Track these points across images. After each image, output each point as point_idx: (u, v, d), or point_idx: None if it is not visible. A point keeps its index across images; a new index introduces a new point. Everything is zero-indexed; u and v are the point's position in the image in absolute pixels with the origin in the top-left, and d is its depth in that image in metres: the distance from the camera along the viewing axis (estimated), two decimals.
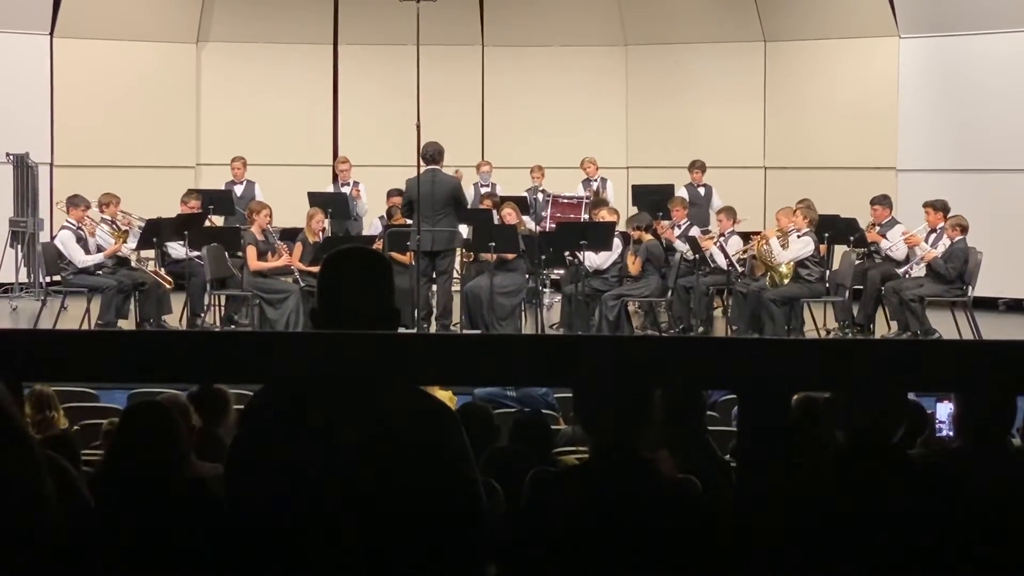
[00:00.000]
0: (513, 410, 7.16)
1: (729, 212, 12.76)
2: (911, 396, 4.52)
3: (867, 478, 3.00)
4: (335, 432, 2.70)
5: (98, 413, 7.14)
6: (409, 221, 12.00)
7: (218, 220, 13.79)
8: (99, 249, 12.22)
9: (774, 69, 16.10)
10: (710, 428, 4.83)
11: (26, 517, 2.28)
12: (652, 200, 14.06)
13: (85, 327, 11.46)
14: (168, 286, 12.18)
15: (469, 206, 12.97)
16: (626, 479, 3.02)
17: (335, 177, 15.36)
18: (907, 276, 12.03)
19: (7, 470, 2.27)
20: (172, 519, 3.22)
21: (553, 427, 6.35)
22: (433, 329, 11.81)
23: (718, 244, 12.39)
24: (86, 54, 15.80)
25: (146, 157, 15.82)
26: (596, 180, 15.15)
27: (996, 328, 12.61)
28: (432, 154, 11.74)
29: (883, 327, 12.25)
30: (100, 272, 12.10)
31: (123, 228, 12.49)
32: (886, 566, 2.92)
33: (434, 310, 12.02)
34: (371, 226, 14.20)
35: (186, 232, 12.18)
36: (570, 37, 16.70)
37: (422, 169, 11.71)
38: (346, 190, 14.39)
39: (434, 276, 11.86)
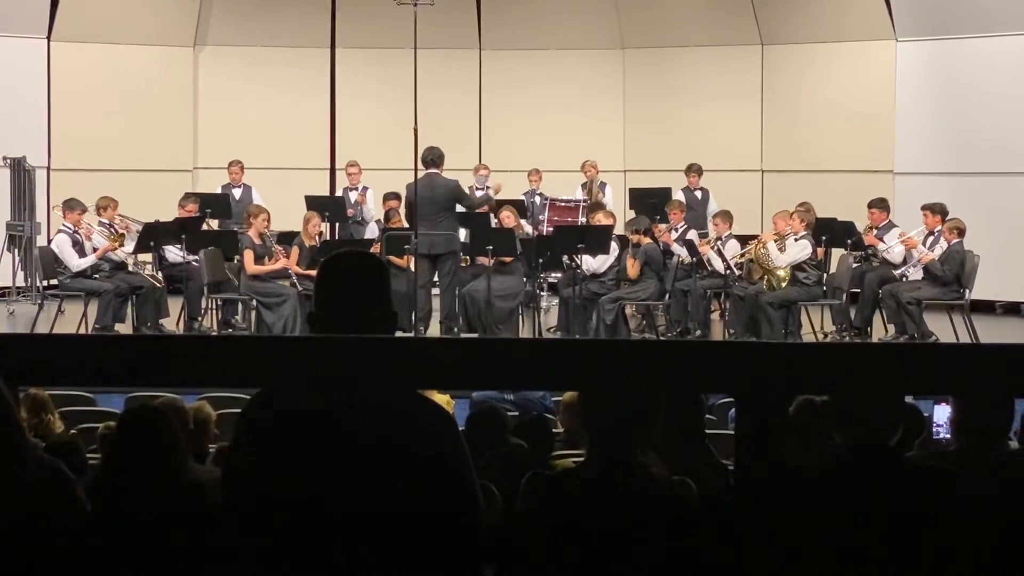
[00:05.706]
0: (513, 414, 7.14)
1: (725, 216, 12.75)
2: (908, 399, 4.52)
3: (864, 481, 3.00)
4: (332, 436, 2.70)
5: (95, 417, 7.12)
6: (408, 225, 12.03)
7: (214, 224, 13.78)
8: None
9: (771, 72, 16.10)
10: (708, 431, 4.83)
11: (19, 518, 2.28)
12: (649, 203, 14.06)
13: (82, 331, 11.45)
14: (158, 285, 12.15)
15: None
16: (621, 481, 3.02)
17: (332, 181, 15.34)
18: (904, 279, 12.03)
19: (2, 471, 2.26)
20: (170, 523, 3.22)
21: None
22: (438, 331, 11.85)
23: (715, 248, 12.39)
24: (83, 58, 15.79)
25: (143, 161, 15.81)
26: (596, 182, 15.12)
27: (993, 331, 12.60)
28: (432, 158, 11.81)
29: (880, 330, 12.25)
30: (97, 276, 12.08)
31: (120, 232, 12.47)
32: (883, 569, 2.92)
33: (437, 312, 12.04)
34: (368, 230, 14.21)
35: (183, 236, 12.19)
36: (567, 40, 16.71)
37: (421, 173, 11.74)
38: (353, 195, 14.39)
39: (436, 280, 11.91)
